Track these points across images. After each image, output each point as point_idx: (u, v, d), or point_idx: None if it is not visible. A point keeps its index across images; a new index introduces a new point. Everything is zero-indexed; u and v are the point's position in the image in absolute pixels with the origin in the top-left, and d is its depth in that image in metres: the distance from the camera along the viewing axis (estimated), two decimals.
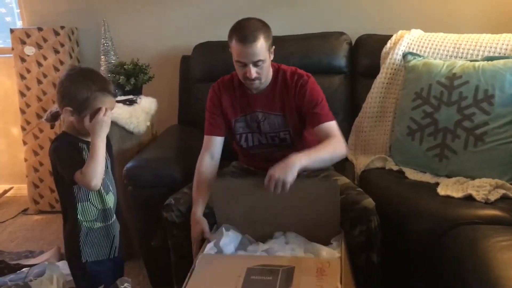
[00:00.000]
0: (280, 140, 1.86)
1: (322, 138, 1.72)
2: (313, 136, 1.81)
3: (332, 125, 1.74)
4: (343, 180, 1.81)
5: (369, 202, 1.62)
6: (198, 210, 1.67)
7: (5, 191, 3.29)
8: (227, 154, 1.96)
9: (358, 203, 1.61)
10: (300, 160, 1.52)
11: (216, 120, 1.84)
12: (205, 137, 1.86)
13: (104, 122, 1.44)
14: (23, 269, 1.46)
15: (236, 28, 1.68)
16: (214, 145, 1.83)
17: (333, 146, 1.68)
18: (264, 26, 1.68)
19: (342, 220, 1.58)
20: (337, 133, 1.73)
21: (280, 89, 1.80)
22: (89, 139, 1.47)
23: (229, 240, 1.53)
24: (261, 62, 1.67)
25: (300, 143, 1.84)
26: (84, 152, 1.49)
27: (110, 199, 1.58)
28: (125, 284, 1.19)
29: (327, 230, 1.56)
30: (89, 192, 1.50)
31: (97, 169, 1.41)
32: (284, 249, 1.50)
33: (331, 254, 1.46)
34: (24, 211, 3.08)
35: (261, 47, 1.64)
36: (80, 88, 1.43)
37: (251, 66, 1.66)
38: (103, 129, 1.44)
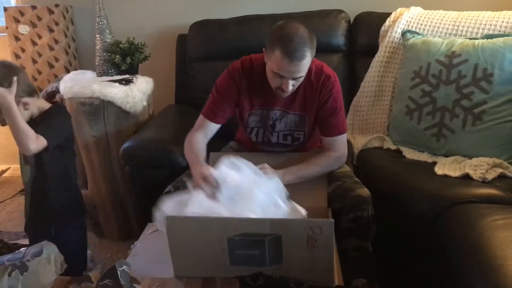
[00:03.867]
0: (293, 140, 1.75)
1: (325, 148, 1.70)
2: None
3: (339, 139, 1.68)
4: (343, 167, 1.76)
5: (364, 191, 1.57)
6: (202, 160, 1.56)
7: (3, 171, 3.29)
8: (223, 134, 1.86)
9: (353, 191, 1.57)
10: (284, 178, 1.53)
11: (223, 108, 1.69)
12: (202, 118, 1.72)
13: None
14: (21, 249, 1.46)
15: (282, 37, 1.47)
16: (210, 130, 1.72)
17: (327, 164, 1.66)
18: (311, 37, 1.49)
19: (336, 208, 1.56)
20: (341, 148, 1.69)
21: (304, 89, 1.65)
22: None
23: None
24: (301, 78, 1.55)
25: (310, 142, 1.80)
26: None
27: (27, 170, 1.75)
28: (124, 267, 1.18)
29: (315, 203, 1.55)
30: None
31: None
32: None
33: None
34: (22, 191, 3.07)
35: (307, 63, 1.50)
36: None
37: (289, 80, 1.52)
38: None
